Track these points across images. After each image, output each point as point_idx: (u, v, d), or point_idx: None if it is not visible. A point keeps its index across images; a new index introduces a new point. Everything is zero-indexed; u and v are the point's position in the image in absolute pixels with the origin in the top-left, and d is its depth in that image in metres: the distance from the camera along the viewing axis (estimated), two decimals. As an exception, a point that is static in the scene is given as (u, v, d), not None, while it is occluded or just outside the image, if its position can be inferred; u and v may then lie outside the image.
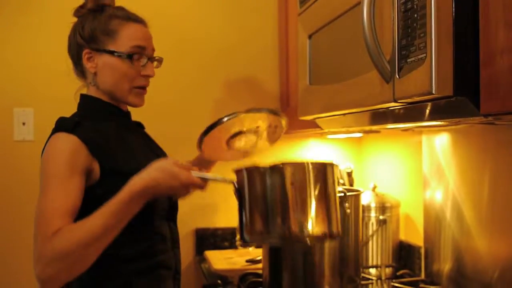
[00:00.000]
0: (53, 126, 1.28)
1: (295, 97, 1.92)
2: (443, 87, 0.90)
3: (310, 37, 1.56)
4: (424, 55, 0.92)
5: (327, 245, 1.39)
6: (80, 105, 1.38)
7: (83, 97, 1.38)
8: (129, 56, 1.31)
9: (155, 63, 1.39)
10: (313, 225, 1.02)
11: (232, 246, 2.17)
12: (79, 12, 1.37)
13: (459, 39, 0.90)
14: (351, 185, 2.11)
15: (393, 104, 1.06)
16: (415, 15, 0.96)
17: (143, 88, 1.36)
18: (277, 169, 1.04)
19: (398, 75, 1.01)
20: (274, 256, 1.49)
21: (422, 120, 1.13)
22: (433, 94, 0.91)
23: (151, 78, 1.37)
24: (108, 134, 1.29)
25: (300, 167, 1.05)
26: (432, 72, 0.90)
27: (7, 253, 2.09)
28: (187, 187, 1.17)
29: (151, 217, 1.30)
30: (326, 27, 1.43)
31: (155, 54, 1.39)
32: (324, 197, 1.05)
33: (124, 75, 1.32)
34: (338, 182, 2.08)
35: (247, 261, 1.88)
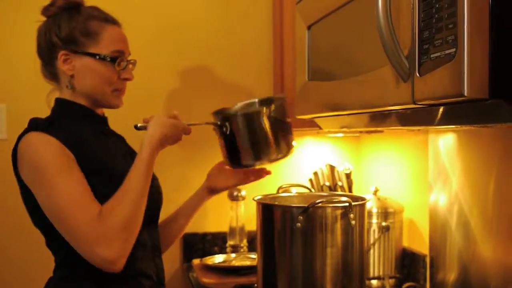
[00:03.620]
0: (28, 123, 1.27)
1: (291, 93, 1.79)
2: (477, 89, 0.76)
3: (309, 28, 1.42)
4: (454, 50, 0.78)
5: (329, 261, 1.25)
6: (54, 110, 1.34)
7: (58, 101, 1.33)
8: (113, 60, 1.29)
9: (130, 65, 1.36)
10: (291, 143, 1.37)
11: (222, 252, 2.03)
12: (49, 10, 1.32)
13: (497, 32, 0.76)
14: (350, 187, 1.97)
15: (411, 106, 0.92)
16: (440, 3, 0.82)
17: (122, 90, 1.34)
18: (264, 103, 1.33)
19: (419, 73, 0.88)
20: (269, 269, 1.35)
21: (439, 123, 1.00)
22: (465, 96, 0.77)
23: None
24: (85, 136, 1.28)
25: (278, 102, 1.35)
26: (463, 71, 0.76)
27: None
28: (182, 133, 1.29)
29: None
30: (329, 17, 1.29)
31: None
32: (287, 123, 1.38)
33: (105, 79, 1.30)
34: (337, 185, 1.95)
35: (241, 272, 1.74)
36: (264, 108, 1.30)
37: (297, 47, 1.50)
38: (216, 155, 1.43)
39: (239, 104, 1.32)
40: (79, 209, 1.15)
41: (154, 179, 1.41)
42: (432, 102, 0.87)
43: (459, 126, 1.17)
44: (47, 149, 1.19)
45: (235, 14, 2.11)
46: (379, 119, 1.20)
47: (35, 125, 1.23)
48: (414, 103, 0.90)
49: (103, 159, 1.27)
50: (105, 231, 1.13)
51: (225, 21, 2.10)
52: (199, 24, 2.08)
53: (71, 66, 1.29)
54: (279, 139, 1.33)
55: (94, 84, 1.30)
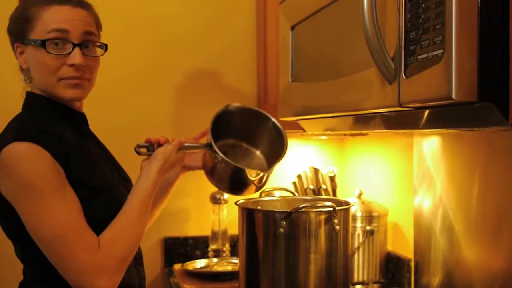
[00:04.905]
0: None
1: (274, 94, 1.76)
2: (465, 91, 0.74)
3: (292, 28, 1.39)
4: (441, 51, 0.76)
5: (313, 268, 1.22)
6: (26, 106, 1.22)
7: (29, 96, 1.22)
8: (42, 43, 1.12)
9: (97, 49, 1.20)
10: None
11: (204, 256, 1.99)
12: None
13: (485, 33, 0.74)
14: (334, 190, 1.95)
15: (397, 108, 0.89)
16: (427, 3, 0.80)
17: (73, 78, 1.15)
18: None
19: (405, 75, 0.85)
20: (252, 275, 1.32)
21: (425, 127, 0.98)
22: (453, 99, 0.74)
23: (88, 68, 1.17)
24: (70, 143, 1.16)
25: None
26: (451, 73, 0.74)
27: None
28: None
29: None
30: (312, 17, 1.26)
31: (104, 40, 1.21)
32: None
33: (46, 66, 1.14)
34: (321, 188, 1.92)
35: (222, 278, 1.71)
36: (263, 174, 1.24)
37: (281, 48, 1.47)
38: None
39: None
40: (78, 237, 1.06)
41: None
42: (418, 104, 0.84)
43: (444, 129, 1.15)
44: (38, 165, 1.07)
45: (218, 13, 2.07)
46: (364, 122, 1.17)
47: (21, 133, 1.09)
48: (400, 105, 0.88)
49: (88, 170, 1.16)
50: (107, 262, 1.07)
51: (208, 21, 2.06)
52: (181, 24, 2.04)
53: (24, 59, 1.18)
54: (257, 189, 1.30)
55: (39, 75, 1.16)
